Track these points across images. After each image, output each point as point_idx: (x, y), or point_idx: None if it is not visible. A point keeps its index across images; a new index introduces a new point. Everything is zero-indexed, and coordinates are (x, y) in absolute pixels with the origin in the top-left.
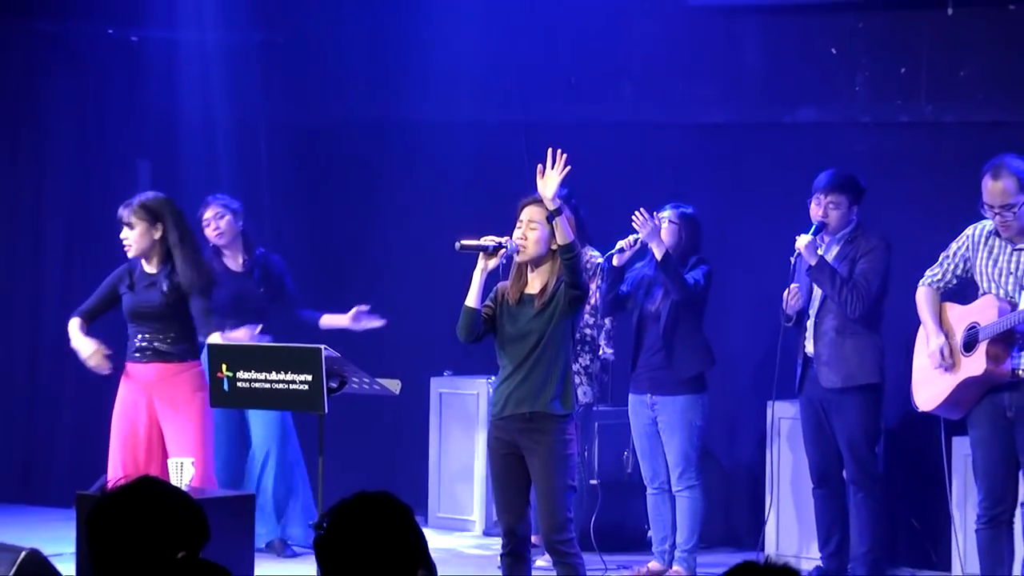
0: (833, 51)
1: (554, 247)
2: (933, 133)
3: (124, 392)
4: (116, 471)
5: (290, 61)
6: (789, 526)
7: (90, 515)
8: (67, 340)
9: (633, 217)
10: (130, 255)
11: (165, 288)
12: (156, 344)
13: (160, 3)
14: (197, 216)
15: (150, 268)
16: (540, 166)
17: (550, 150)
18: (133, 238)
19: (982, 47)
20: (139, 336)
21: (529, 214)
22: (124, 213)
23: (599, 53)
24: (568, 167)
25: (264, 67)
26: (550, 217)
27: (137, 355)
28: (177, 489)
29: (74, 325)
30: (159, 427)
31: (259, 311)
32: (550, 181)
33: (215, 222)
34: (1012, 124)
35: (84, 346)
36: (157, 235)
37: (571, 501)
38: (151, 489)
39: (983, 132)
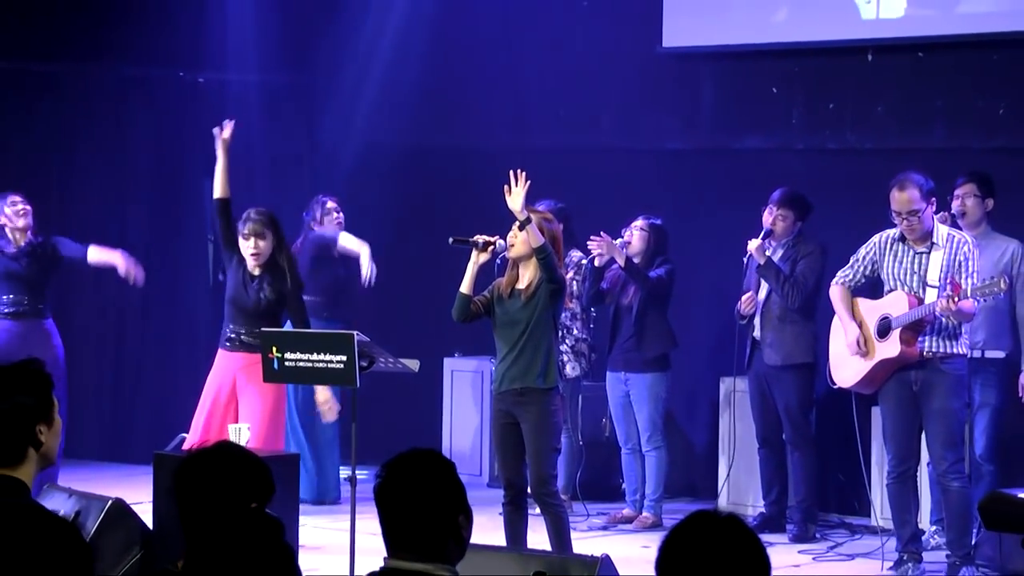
0: (774, 90)
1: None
2: (855, 158)
3: (215, 370)
4: (195, 432)
5: (322, 97)
6: (738, 480)
7: (177, 471)
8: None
9: (590, 242)
10: (257, 262)
11: (267, 294)
12: (243, 337)
13: (221, 50)
14: (312, 210)
15: (254, 270)
16: (505, 186)
17: (511, 172)
18: (264, 247)
19: (895, 87)
20: (231, 327)
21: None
22: (255, 224)
23: (582, 91)
24: (528, 181)
25: (300, 102)
26: (521, 226)
27: (228, 344)
28: (249, 451)
29: None
30: (236, 400)
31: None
32: (515, 196)
33: (336, 214)
34: (919, 151)
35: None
36: (273, 244)
37: (556, 460)
38: (228, 450)
39: (895, 157)
